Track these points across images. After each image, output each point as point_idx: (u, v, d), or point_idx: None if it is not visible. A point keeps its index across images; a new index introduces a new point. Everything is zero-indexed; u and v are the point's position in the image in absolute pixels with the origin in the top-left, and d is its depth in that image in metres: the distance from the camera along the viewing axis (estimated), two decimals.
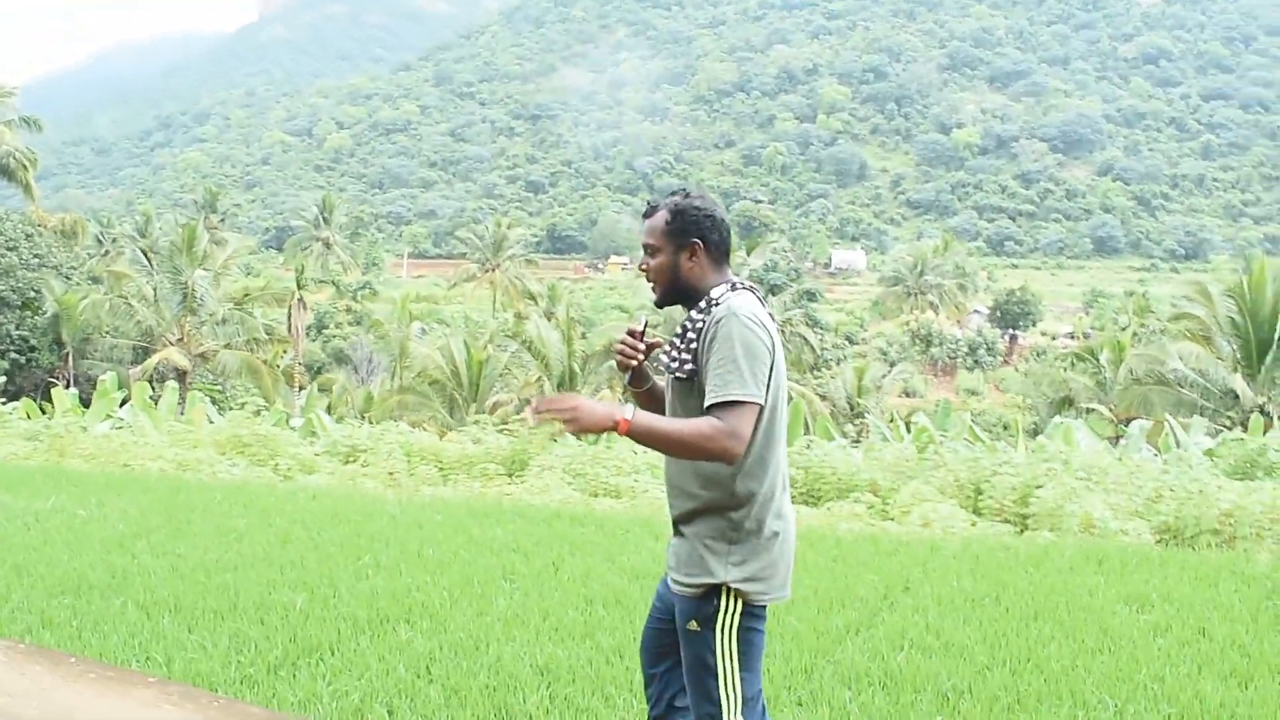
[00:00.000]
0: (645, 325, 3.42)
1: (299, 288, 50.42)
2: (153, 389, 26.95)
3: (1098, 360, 34.45)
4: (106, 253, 56.21)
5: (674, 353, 3.19)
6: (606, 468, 14.68)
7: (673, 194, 3.36)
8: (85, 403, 25.43)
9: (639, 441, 3.01)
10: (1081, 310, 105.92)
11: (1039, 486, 12.97)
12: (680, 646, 3.29)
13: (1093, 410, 30.13)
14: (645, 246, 3.34)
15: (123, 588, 6.94)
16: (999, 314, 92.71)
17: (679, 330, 3.21)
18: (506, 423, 18.25)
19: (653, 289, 3.34)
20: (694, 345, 3.13)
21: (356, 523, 9.27)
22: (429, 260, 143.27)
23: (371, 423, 27.53)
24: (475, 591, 6.96)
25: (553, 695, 5.05)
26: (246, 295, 40.67)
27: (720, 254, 3.30)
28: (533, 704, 4.91)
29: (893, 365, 42.91)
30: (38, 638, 5.87)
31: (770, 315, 3.28)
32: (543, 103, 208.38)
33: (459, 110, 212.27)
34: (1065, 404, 32.84)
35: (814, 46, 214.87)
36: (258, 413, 18.50)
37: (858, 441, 23.97)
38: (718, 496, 3.15)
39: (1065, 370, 39.13)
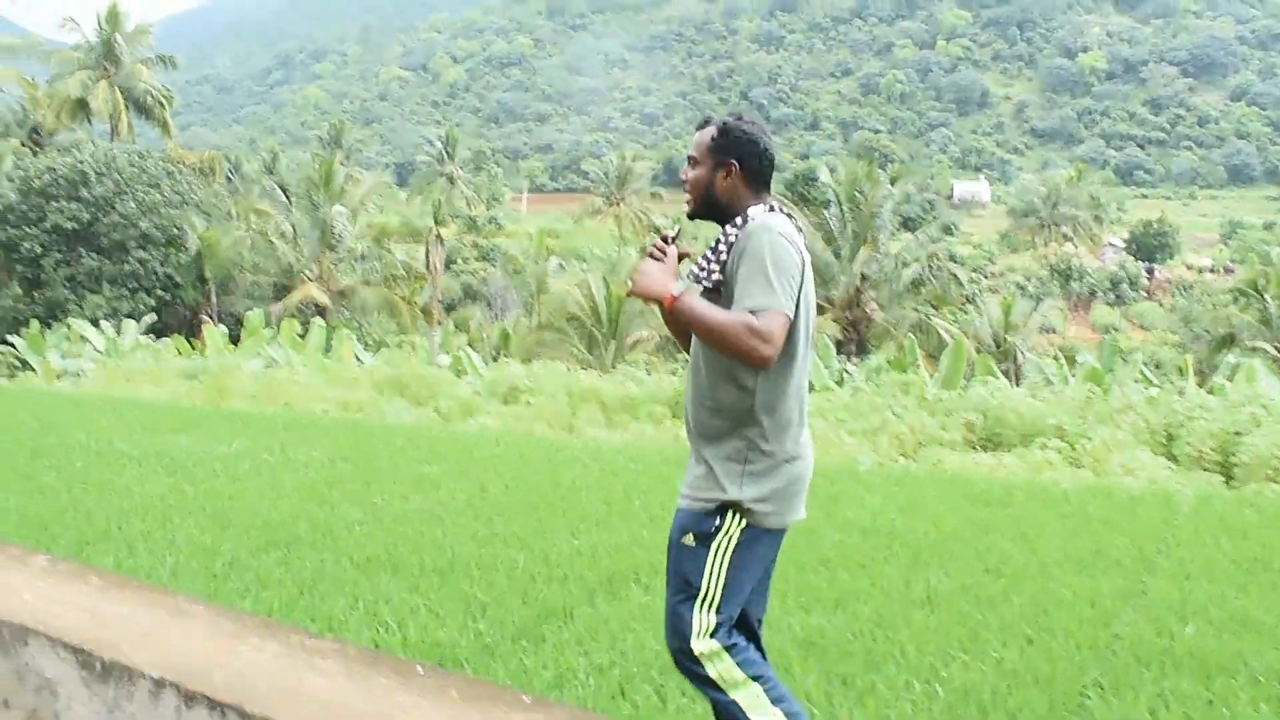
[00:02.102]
0: (677, 233, 3.31)
1: (436, 223, 50.39)
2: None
3: (1262, 296, 32.84)
4: (236, 190, 56.80)
5: (704, 263, 3.16)
6: None
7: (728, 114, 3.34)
8: (231, 339, 25.64)
9: (681, 320, 3.01)
10: (1220, 242, 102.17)
11: (1238, 433, 12.19)
12: (668, 559, 3.21)
13: (1258, 349, 28.68)
14: (689, 158, 3.33)
15: (330, 541, 6.62)
16: (1135, 246, 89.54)
17: (712, 243, 3.17)
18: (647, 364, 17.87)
19: (687, 200, 3.33)
20: (724, 257, 3.11)
21: (549, 470, 8.88)
22: (547, 194, 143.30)
23: (506, 359, 27.36)
24: None
25: (826, 673, 4.57)
26: (384, 231, 40.73)
27: (758, 179, 3.26)
28: (810, 684, 4.43)
29: (1039, 300, 41.48)
30: (257, 600, 5.53)
31: (805, 242, 3.24)
32: (656, 34, 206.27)
33: (572, 42, 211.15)
34: (1227, 342, 31.37)
35: None
36: (399, 346, 18.27)
37: (1017, 382, 23.15)
38: (736, 416, 3.11)
39: (1225, 306, 37.45)
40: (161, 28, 66.79)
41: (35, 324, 30.29)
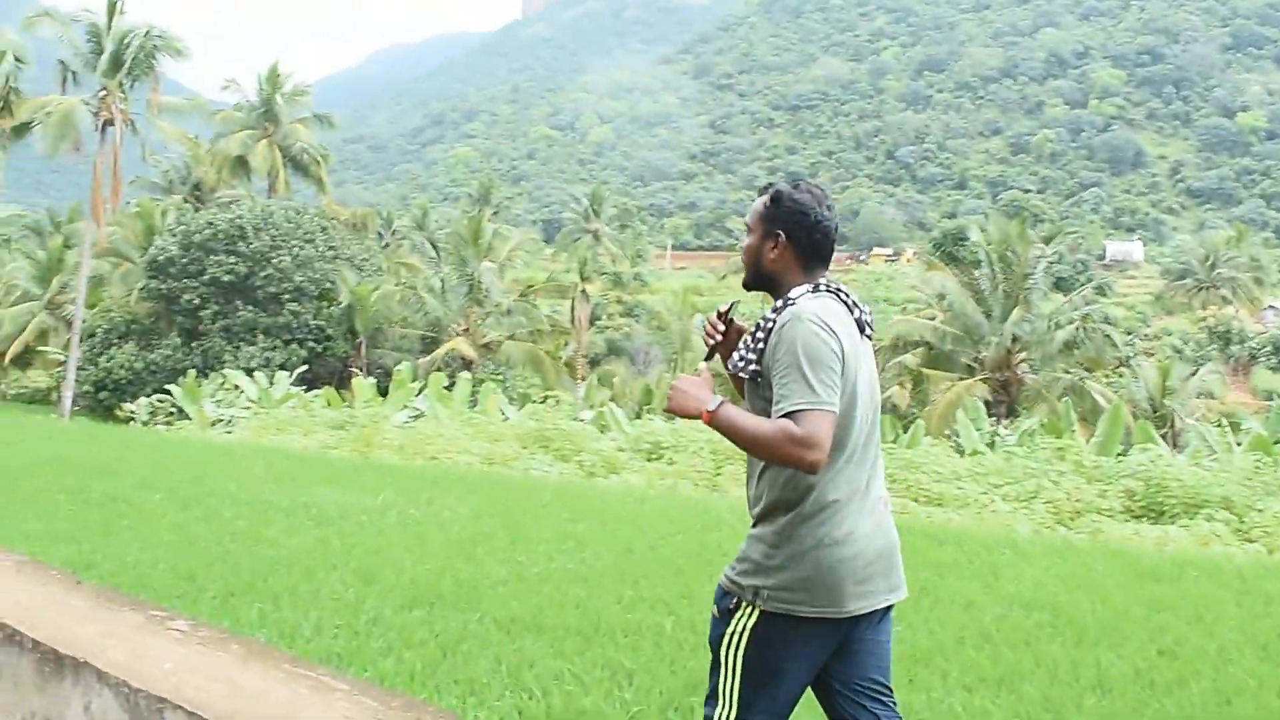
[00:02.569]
0: (731, 307, 3.26)
1: (582, 279, 50.83)
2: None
3: None
4: (386, 245, 58.13)
5: (744, 350, 3.04)
6: (926, 473, 13.70)
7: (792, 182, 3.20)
8: (380, 391, 25.99)
9: (722, 433, 2.91)
10: None
11: None
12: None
13: None
14: (746, 225, 3.25)
15: (474, 600, 6.47)
16: None
17: (754, 327, 3.05)
18: None
19: (744, 270, 3.24)
20: (761, 346, 2.98)
21: (695, 532, 8.66)
22: (690, 252, 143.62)
23: (650, 414, 27.21)
24: None
25: None
26: (530, 287, 41.16)
27: (809, 254, 3.11)
28: None
29: (1199, 365, 39.98)
30: (399, 660, 5.39)
31: (859, 317, 3.12)
32: (802, 93, 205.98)
33: (718, 102, 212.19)
34: None
35: (1084, 29, 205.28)
36: (544, 401, 18.23)
37: (1175, 449, 22.23)
38: (779, 498, 3.00)
39: None
40: (319, 88, 69.06)
41: (192, 373, 31.16)
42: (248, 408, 24.61)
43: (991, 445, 19.02)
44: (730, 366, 3.10)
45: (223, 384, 29.51)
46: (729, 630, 3.01)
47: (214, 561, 7.28)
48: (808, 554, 2.95)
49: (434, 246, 45.15)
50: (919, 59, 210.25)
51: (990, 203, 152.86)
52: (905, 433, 19.41)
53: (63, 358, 41.72)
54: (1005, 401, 30.69)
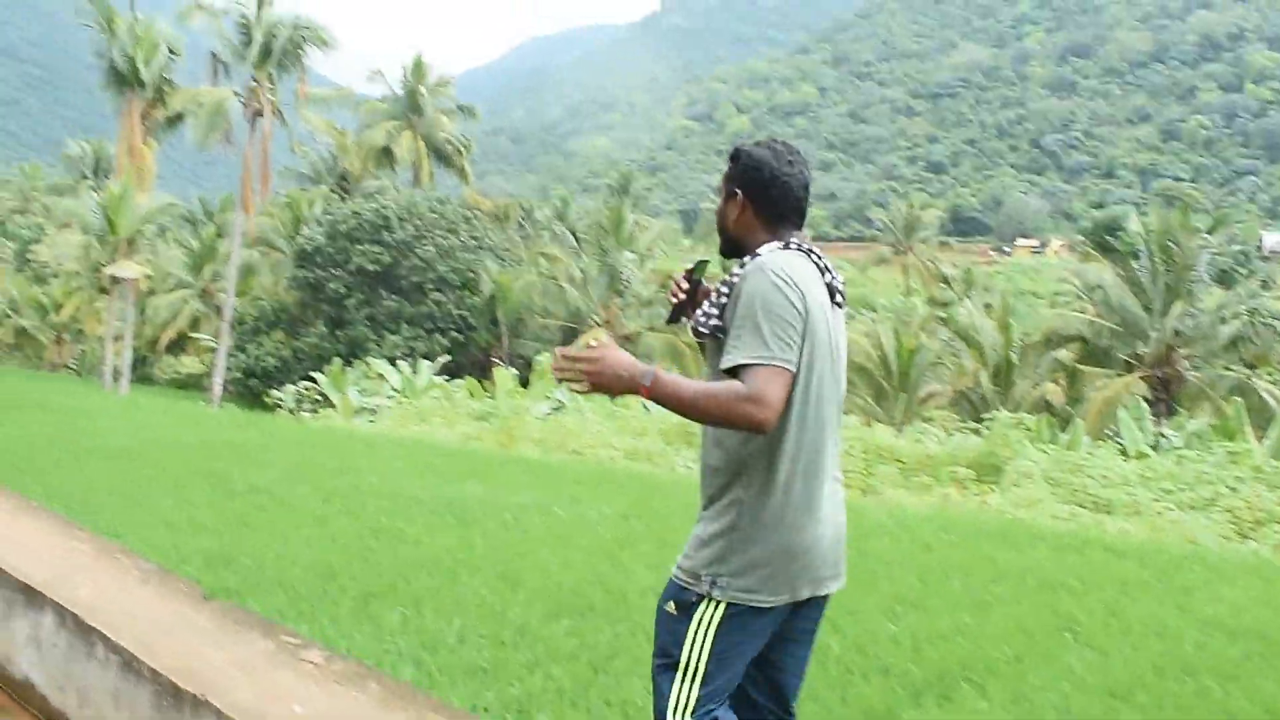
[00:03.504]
0: (696, 266, 3.08)
1: (724, 270, 50.19)
2: None
3: None
4: (527, 235, 58.44)
5: (707, 306, 2.87)
6: (1092, 477, 12.95)
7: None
8: (521, 382, 25.91)
9: (663, 405, 2.70)
10: None
11: None
12: (655, 624, 2.97)
13: None
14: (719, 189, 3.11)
15: (624, 610, 6.06)
16: None
17: (719, 285, 2.88)
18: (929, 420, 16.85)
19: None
20: (724, 301, 2.81)
21: (855, 539, 8.14)
22: (830, 243, 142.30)
23: None
24: (1031, 643, 5.66)
25: None
26: (670, 277, 40.82)
27: (773, 213, 2.96)
28: None
29: None
30: (548, 676, 5.00)
31: (830, 281, 2.95)
32: (942, 80, 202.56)
33: (857, 91, 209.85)
34: None
35: (1240, 10, 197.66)
36: None
37: None
38: (724, 479, 2.85)
39: None
40: (460, 81, 69.73)
41: (337, 361, 31.50)
42: (391, 396, 24.73)
43: (1154, 447, 18.08)
44: (692, 324, 2.93)
45: (366, 372, 29.78)
46: (692, 630, 2.84)
47: (354, 559, 7.01)
48: (770, 534, 2.80)
49: (575, 237, 45.13)
50: (1063, 44, 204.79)
51: (1140, 191, 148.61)
52: (1063, 432, 18.51)
53: (213, 344, 42.68)
54: (1164, 399, 29.38)
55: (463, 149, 52.16)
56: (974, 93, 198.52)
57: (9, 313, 60.41)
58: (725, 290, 2.82)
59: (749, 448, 2.80)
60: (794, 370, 2.70)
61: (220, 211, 63.14)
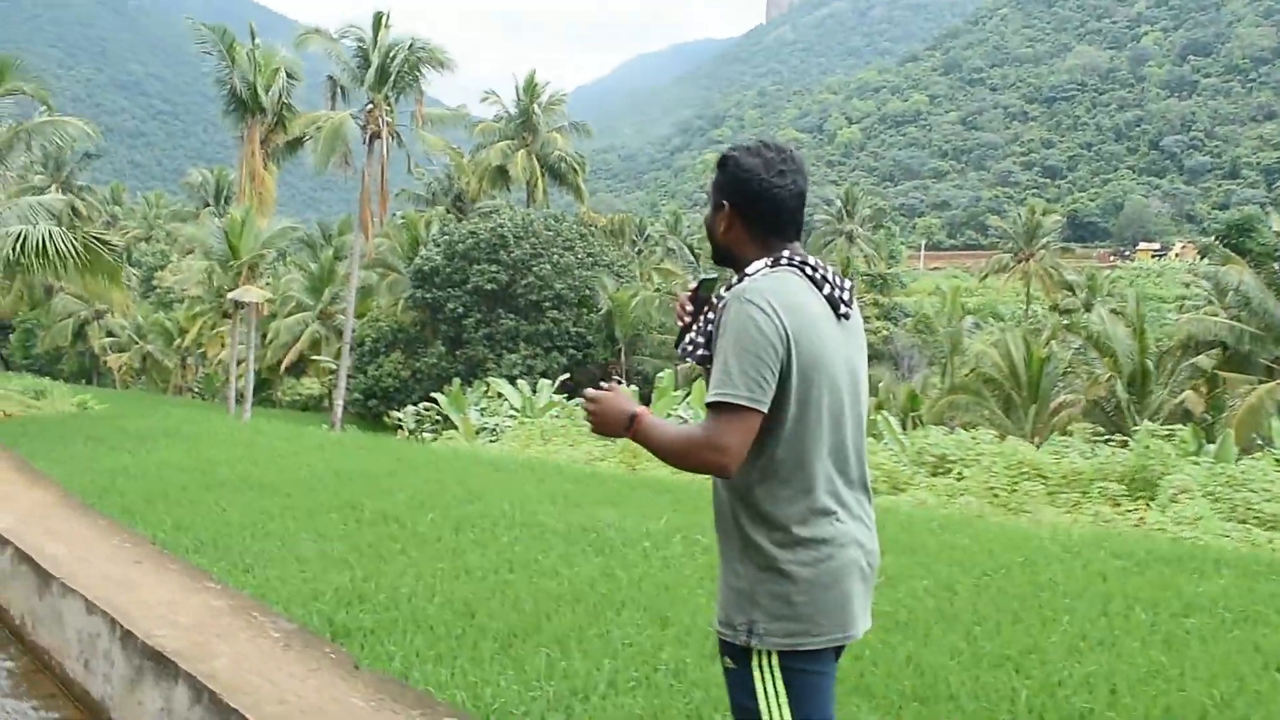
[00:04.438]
0: (701, 284, 2.86)
1: None
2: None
3: None
4: (640, 251, 58.36)
5: (694, 333, 2.81)
6: (1254, 491, 12.17)
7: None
8: (641, 399, 25.65)
9: (647, 449, 2.67)
10: None
11: None
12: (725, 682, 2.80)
13: None
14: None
15: None
16: None
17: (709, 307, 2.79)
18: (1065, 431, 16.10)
19: None
20: (710, 328, 2.73)
21: (1022, 566, 7.61)
22: (944, 251, 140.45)
23: (919, 423, 25.98)
24: (1241, 686, 5.10)
25: None
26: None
27: (762, 225, 2.78)
28: None
29: None
30: None
31: (831, 293, 2.76)
32: (1058, 84, 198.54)
33: (969, 97, 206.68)
34: None
35: None
36: None
37: None
38: (744, 515, 2.70)
39: None
40: (572, 97, 69.99)
41: (457, 382, 31.56)
42: (512, 416, 24.60)
43: None
44: (681, 349, 2.87)
45: (486, 392, 29.75)
46: (759, 683, 2.67)
47: (492, 595, 6.68)
48: (800, 568, 2.64)
49: (691, 251, 44.85)
50: (1183, 43, 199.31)
51: (1265, 191, 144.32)
52: (1211, 443, 17.63)
53: (334, 366, 43.14)
54: None
55: (577, 166, 52.22)
56: (1090, 95, 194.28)
57: (135, 339, 61.88)
58: (713, 316, 2.73)
59: (745, 484, 2.68)
60: (761, 409, 2.57)
61: (338, 234, 64.08)
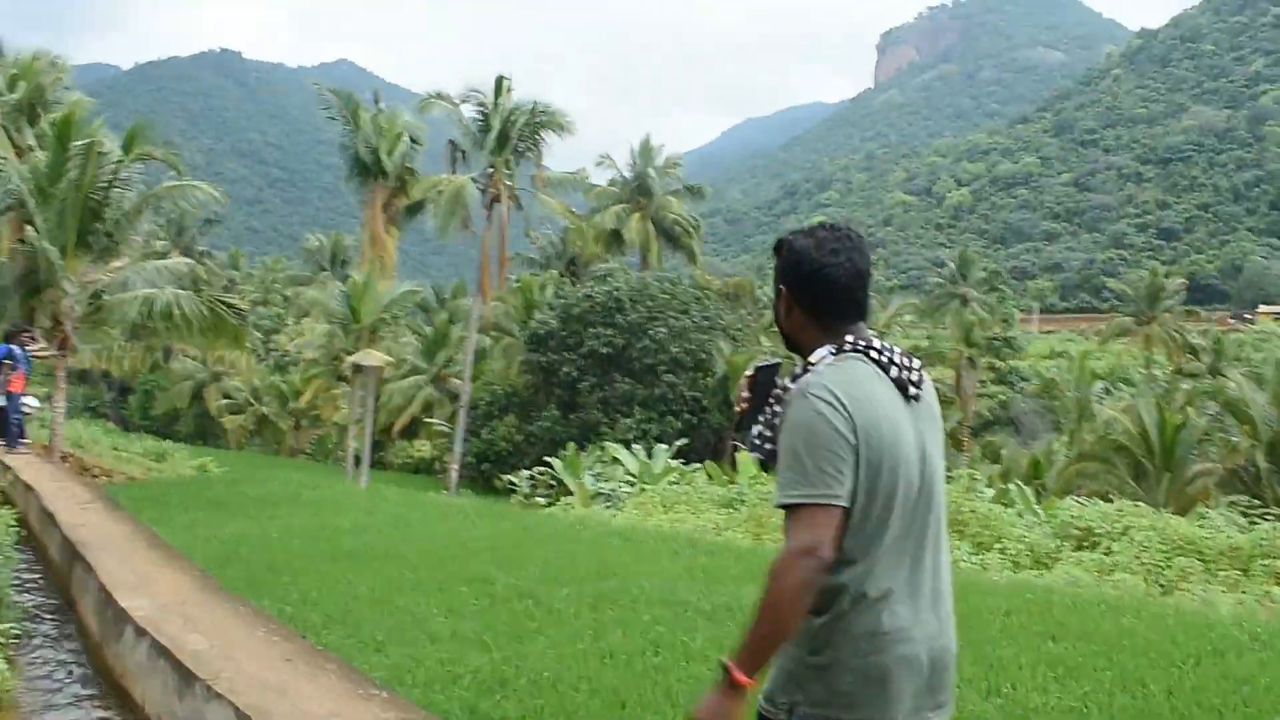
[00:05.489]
0: (758, 371, 2.79)
1: (969, 345, 48.82)
2: None
3: None
4: (751, 315, 57.95)
5: (761, 425, 2.74)
6: None
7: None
8: (762, 465, 25.15)
9: (763, 660, 2.49)
10: None
11: None
12: None
13: None
14: None
15: None
16: None
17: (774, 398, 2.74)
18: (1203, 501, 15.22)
19: None
20: (777, 421, 2.66)
21: (1211, 658, 6.96)
22: (1057, 315, 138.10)
23: (1042, 491, 25.09)
24: None
25: None
26: (913, 353, 39.85)
27: (819, 310, 2.72)
28: None
29: None
30: None
31: (899, 376, 2.67)
32: (1173, 144, 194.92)
33: (1081, 159, 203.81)
34: None
35: None
36: (976, 488, 16.63)
37: None
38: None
39: None
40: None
41: (572, 446, 31.32)
42: (630, 481, 24.23)
43: None
44: (749, 442, 2.83)
45: (600, 456, 29.46)
46: None
47: (640, 680, 6.26)
48: (848, 657, 2.57)
49: None
50: None
51: None
52: None
53: (447, 429, 43.20)
54: None
55: (691, 229, 52.15)
56: (1207, 156, 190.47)
57: (251, 401, 62.92)
58: (780, 409, 2.68)
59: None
60: (843, 503, 2.51)
61: (451, 298, 64.62)
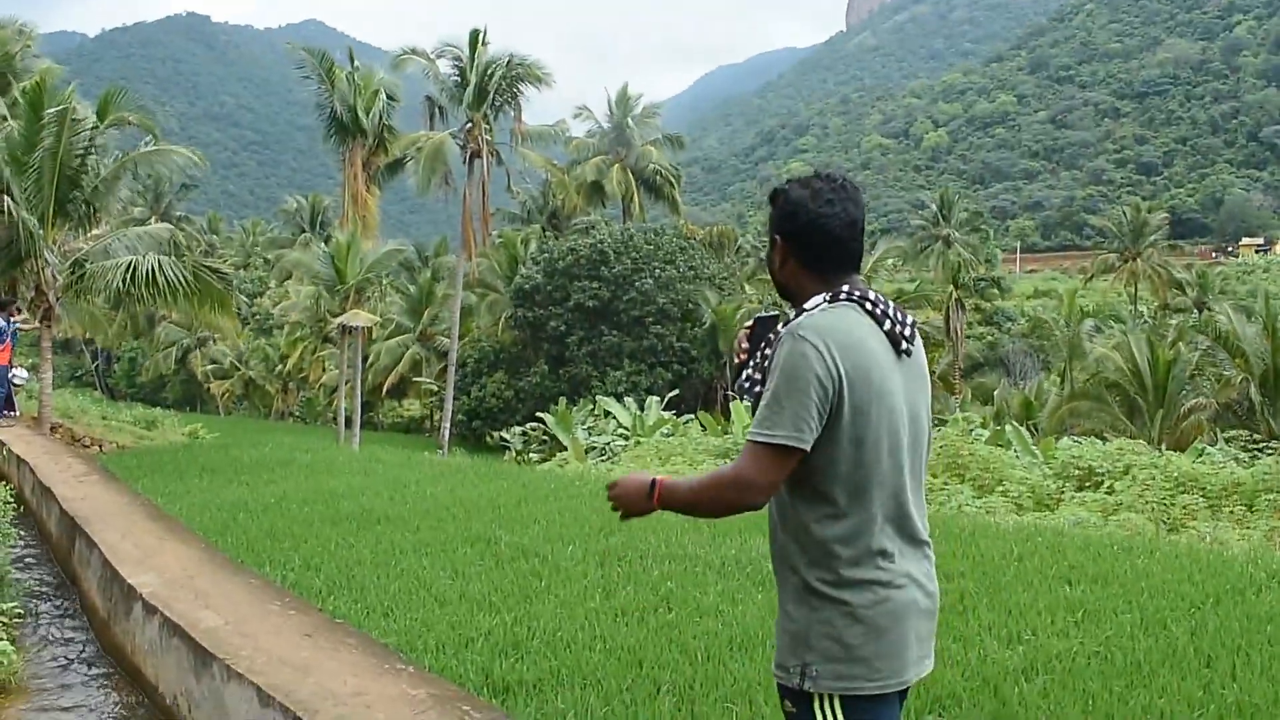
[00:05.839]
0: (755, 321, 2.81)
1: (956, 286, 48.74)
2: None
3: None
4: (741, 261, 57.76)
5: (751, 369, 2.71)
6: None
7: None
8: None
9: (676, 512, 2.71)
10: None
11: None
12: None
13: None
14: None
15: (988, 696, 5.08)
16: None
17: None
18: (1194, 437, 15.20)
19: None
20: (767, 364, 2.63)
21: (1230, 596, 6.89)
22: (1039, 254, 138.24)
23: (1036, 431, 25.11)
24: None
25: None
26: (899, 297, 39.66)
27: (816, 260, 2.72)
28: None
29: None
30: None
31: (892, 329, 2.68)
32: (1148, 78, 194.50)
33: (1058, 96, 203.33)
34: None
35: None
36: (972, 431, 16.57)
37: None
38: (799, 556, 2.61)
39: None
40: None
41: (563, 401, 31.24)
42: (623, 434, 24.16)
43: None
44: (736, 387, 2.84)
45: (593, 410, 29.39)
46: (816, 706, 2.56)
47: (656, 639, 6.16)
48: (856, 608, 2.55)
49: None
50: (1278, 31, 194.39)
51: None
52: None
53: (435, 388, 43.07)
54: None
55: (672, 179, 51.82)
56: (1183, 89, 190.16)
57: (237, 365, 62.68)
58: (770, 352, 2.66)
59: (800, 524, 2.62)
60: (803, 447, 2.50)
61: (434, 256, 64.28)
